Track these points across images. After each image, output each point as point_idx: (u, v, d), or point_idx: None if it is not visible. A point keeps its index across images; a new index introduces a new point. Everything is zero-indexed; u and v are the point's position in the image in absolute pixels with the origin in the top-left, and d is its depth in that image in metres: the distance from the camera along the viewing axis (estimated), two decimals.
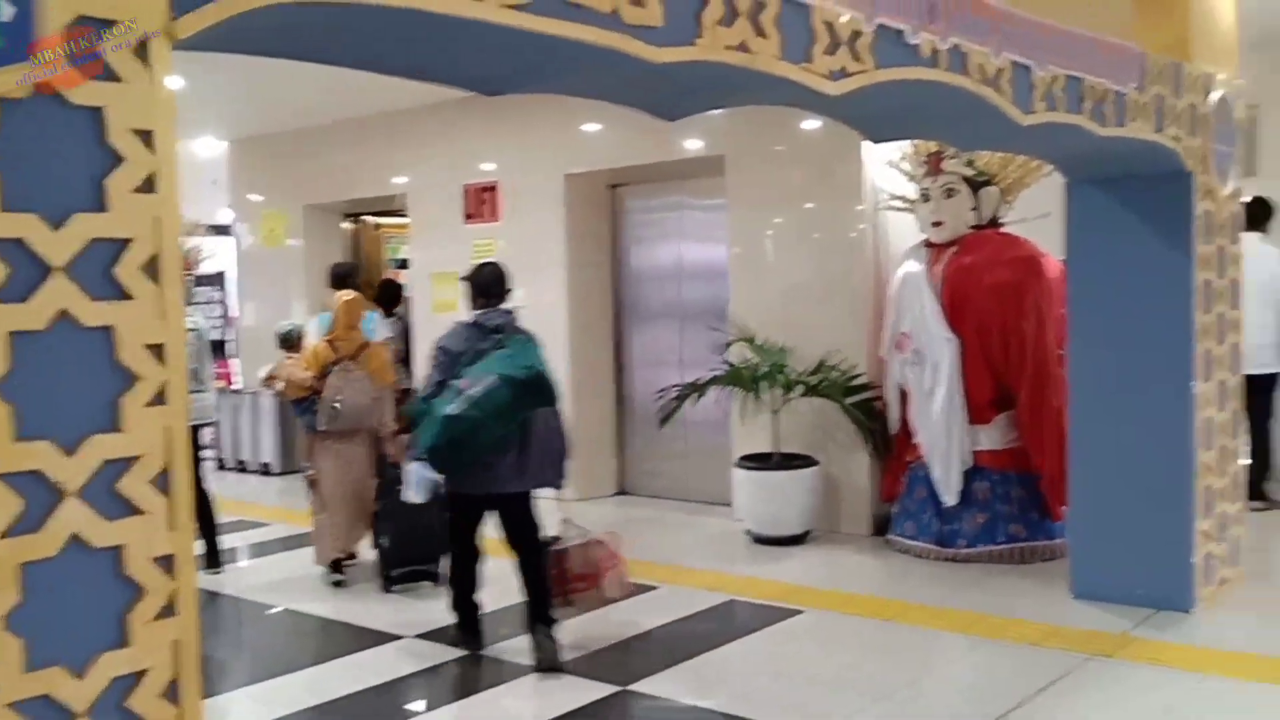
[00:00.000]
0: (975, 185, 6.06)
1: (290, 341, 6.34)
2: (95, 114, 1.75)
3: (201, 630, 1.95)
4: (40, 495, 1.73)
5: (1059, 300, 5.49)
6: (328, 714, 4.16)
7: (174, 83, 1.86)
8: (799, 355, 6.51)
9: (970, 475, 5.97)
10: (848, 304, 6.63)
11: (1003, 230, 6.14)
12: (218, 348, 10.17)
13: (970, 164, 6.03)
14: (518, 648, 4.67)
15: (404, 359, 8.53)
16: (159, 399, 1.84)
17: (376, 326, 7.71)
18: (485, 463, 4.38)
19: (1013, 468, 5.97)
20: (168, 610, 1.87)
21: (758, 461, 6.51)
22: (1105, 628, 4.75)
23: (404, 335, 8.84)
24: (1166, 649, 4.51)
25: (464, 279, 4.75)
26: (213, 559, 6.04)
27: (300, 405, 5.82)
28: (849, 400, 6.37)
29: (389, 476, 5.57)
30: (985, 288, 5.90)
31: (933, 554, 5.98)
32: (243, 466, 9.57)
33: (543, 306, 7.91)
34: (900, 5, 3.09)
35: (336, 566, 5.82)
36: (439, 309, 8.31)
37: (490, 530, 4.72)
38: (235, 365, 10.81)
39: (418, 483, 4.63)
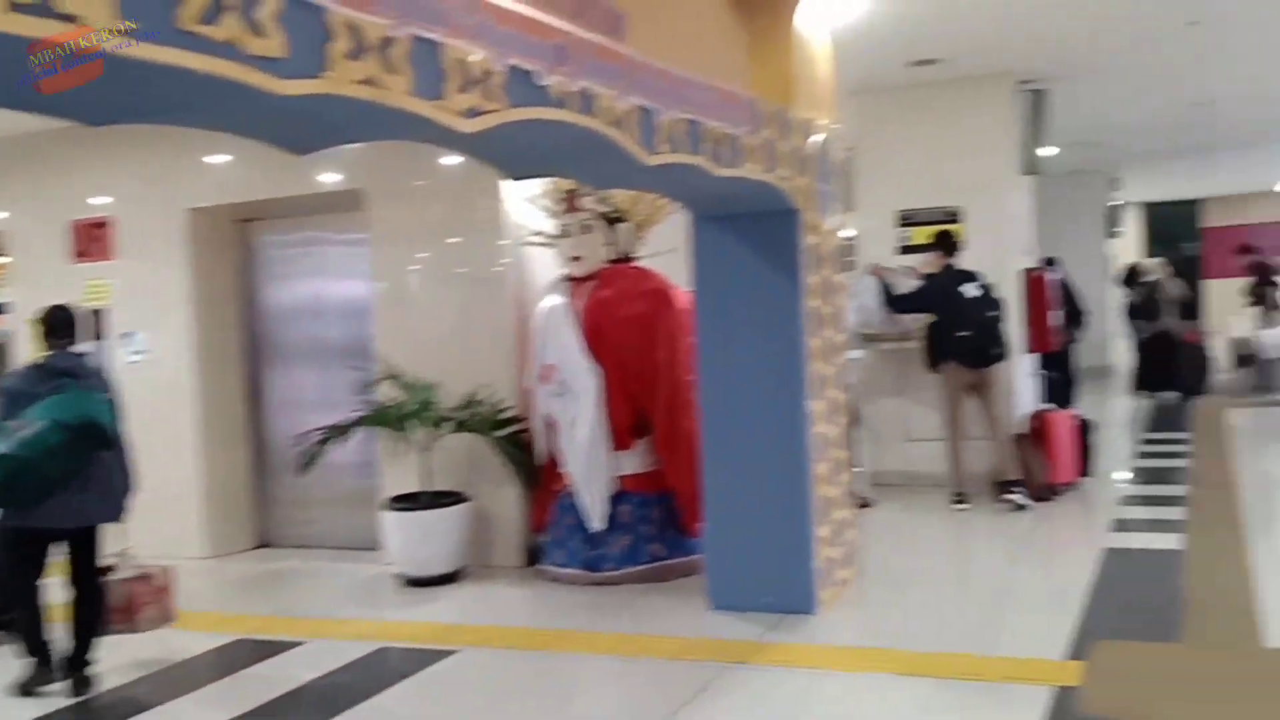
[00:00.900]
0: (610, 221, 6.32)
1: None
2: None
3: None
4: None
5: (689, 329, 5.82)
6: None
7: None
8: (447, 391, 6.46)
9: (615, 500, 6.18)
10: (494, 338, 6.68)
11: (637, 264, 6.44)
12: None
13: (605, 201, 6.28)
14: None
15: None
16: None
17: None
18: (46, 498, 4.38)
19: (653, 490, 6.24)
20: None
21: (407, 501, 6.40)
22: (740, 636, 5.05)
23: None
24: (793, 650, 4.85)
25: (34, 321, 4.77)
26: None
27: None
28: (498, 434, 6.40)
29: None
30: (622, 319, 6.15)
31: (582, 580, 6.12)
32: None
33: (166, 349, 7.41)
34: (530, 47, 3.17)
35: None
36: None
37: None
38: None
39: None
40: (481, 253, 6.70)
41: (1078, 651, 4.58)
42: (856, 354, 8.08)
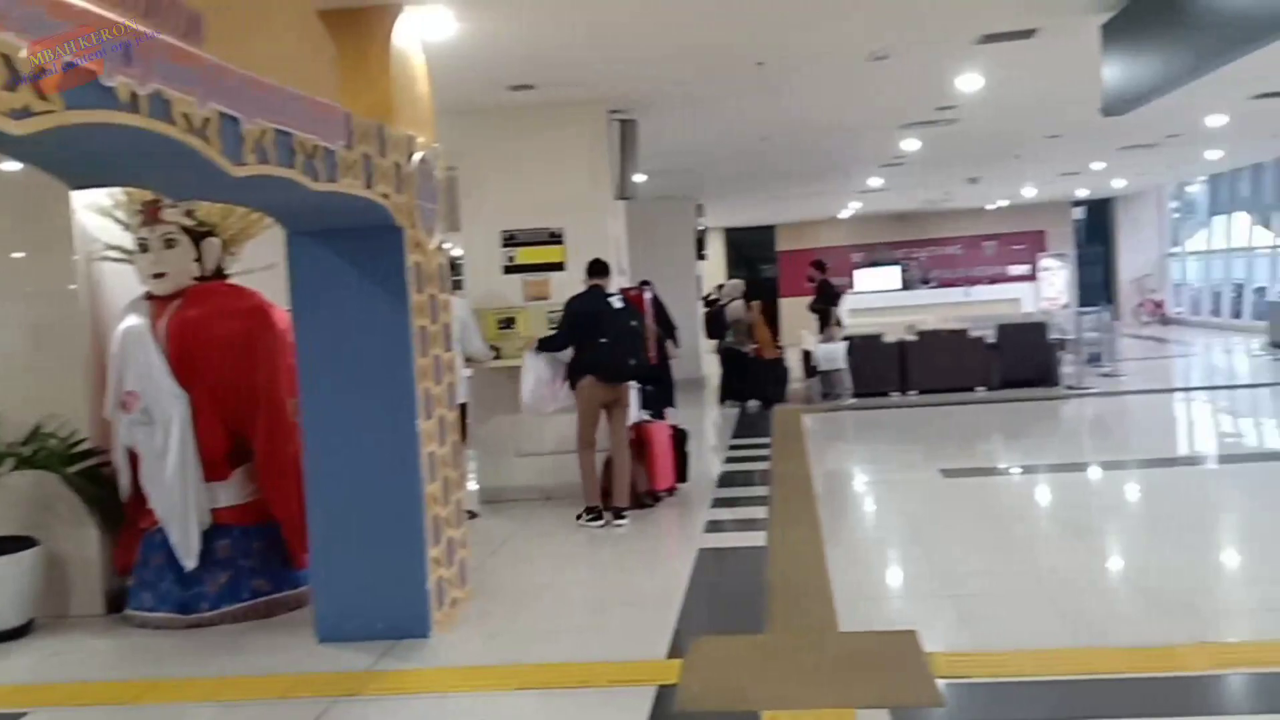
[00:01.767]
0: (197, 236, 5.91)
1: None
2: None
3: None
4: None
5: (290, 350, 5.57)
6: None
7: None
8: (9, 424, 5.77)
9: (210, 534, 5.78)
10: (64, 364, 6.02)
11: (229, 282, 6.07)
12: None
13: (190, 214, 5.87)
14: None
15: None
16: None
17: None
18: None
19: (254, 521, 5.90)
20: None
21: None
22: (350, 667, 4.88)
23: None
24: (409, 676, 4.76)
25: None
26: None
27: None
28: (71, 469, 5.79)
29: None
30: (215, 341, 5.78)
31: (176, 623, 5.67)
32: None
33: None
34: (92, 46, 2.88)
35: None
36: None
37: None
38: None
39: None
40: (49, 269, 6.03)
41: (677, 649, 4.84)
42: (467, 372, 8.09)
